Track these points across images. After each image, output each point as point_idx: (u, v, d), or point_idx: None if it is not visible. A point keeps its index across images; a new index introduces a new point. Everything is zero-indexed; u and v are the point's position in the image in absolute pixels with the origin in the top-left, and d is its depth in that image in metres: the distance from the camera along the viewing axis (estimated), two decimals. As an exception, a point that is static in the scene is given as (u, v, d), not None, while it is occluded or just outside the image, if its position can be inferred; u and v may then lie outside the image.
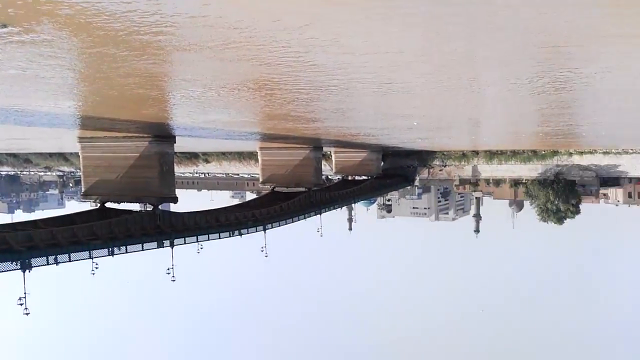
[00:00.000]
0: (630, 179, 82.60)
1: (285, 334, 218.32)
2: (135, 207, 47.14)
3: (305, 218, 65.32)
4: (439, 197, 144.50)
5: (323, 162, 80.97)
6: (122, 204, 45.84)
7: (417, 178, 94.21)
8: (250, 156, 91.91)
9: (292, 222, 61.86)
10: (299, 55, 14.97)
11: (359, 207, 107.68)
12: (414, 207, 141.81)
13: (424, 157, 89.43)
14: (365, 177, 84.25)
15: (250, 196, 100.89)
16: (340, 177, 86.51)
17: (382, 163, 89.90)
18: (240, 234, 53.85)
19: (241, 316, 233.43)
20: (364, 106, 28.57)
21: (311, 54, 14.97)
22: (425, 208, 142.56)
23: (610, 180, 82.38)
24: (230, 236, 51.88)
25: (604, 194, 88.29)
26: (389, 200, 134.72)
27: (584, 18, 11.92)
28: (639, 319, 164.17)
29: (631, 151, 75.97)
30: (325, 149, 78.85)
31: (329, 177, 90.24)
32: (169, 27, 11.69)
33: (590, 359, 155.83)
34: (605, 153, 77.35)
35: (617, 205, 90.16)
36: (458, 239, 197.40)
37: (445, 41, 13.92)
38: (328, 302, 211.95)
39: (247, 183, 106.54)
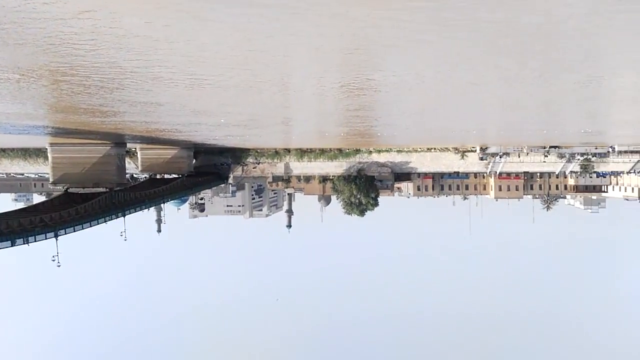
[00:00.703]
0: (419, 174, 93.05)
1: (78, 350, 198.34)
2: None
3: (106, 221, 59.37)
4: (253, 195, 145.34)
5: (127, 160, 74.73)
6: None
7: (231, 176, 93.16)
8: (39, 153, 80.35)
9: (91, 226, 55.82)
10: (80, 41, 12.56)
11: (169, 207, 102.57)
12: (228, 205, 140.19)
13: (237, 155, 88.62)
14: (176, 176, 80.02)
15: (39, 199, 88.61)
16: (147, 176, 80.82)
17: (194, 161, 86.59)
18: (27, 243, 46.84)
19: (28, 333, 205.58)
20: (167, 101, 26.03)
21: (98, 42, 13.09)
22: (239, 206, 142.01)
23: (403, 175, 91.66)
24: (12, 245, 45.27)
25: (398, 188, 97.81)
26: (201, 199, 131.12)
27: (370, 27, 12.29)
28: (422, 298, 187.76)
29: (419, 149, 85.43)
30: (130, 145, 72.74)
31: (135, 175, 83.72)
32: None
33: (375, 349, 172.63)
34: (399, 151, 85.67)
35: (408, 197, 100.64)
36: (272, 235, 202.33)
37: (249, 39, 13.34)
38: (135, 307, 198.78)
39: (35, 184, 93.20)
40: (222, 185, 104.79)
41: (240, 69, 17.65)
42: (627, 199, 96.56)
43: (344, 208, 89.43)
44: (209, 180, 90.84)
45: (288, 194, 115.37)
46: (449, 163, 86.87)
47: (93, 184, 62.00)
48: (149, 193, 70.07)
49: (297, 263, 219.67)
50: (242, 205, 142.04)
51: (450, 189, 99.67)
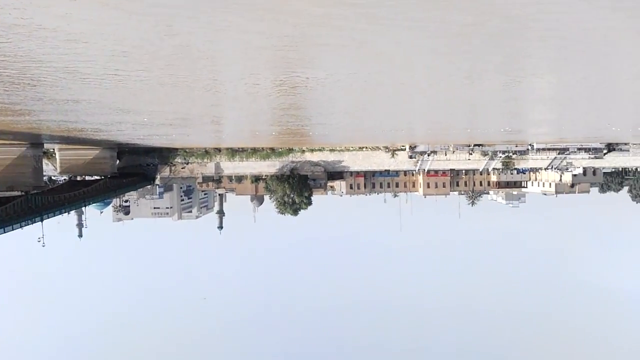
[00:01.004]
0: (351, 173, 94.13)
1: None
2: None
3: (22, 227, 55.47)
4: (182, 196, 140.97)
5: (45, 161, 70.00)
6: None
7: (158, 176, 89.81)
8: (-58, 155, 73.26)
9: (5, 232, 52.01)
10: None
11: (91, 210, 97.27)
12: (155, 207, 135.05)
13: (165, 155, 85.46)
14: (98, 177, 75.96)
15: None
16: (67, 178, 76.16)
17: (118, 161, 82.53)
18: None
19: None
20: (86, 98, 24.34)
21: (7, 35, 12.04)
22: (167, 207, 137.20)
23: (336, 174, 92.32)
24: None
25: (331, 186, 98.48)
26: (126, 201, 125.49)
27: (303, 24, 12.10)
28: (355, 294, 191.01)
29: (351, 148, 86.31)
30: (47, 145, 68.16)
31: (53, 178, 78.68)
32: None
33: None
34: (331, 150, 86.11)
35: (341, 195, 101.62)
36: (202, 237, 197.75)
37: (172, 34, 12.65)
38: (56, 316, 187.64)
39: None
40: (149, 186, 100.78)
41: (165, 66, 16.76)
42: (545, 194, 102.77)
43: (277, 208, 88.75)
44: (134, 181, 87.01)
45: (219, 194, 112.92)
46: (380, 162, 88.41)
47: (7, 187, 57.71)
48: (69, 196, 66.08)
49: (229, 264, 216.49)
50: (171, 207, 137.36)
51: (381, 186, 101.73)
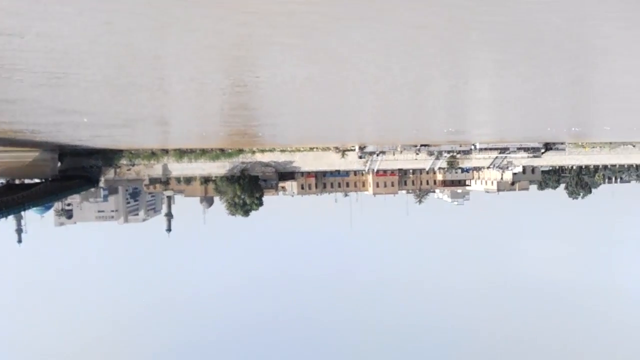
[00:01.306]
0: (302, 173, 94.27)
1: None
2: None
3: (-47, 235, 52.16)
4: (127, 198, 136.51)
5: (-22, 164, 66.08)
6: None
7: (103, 179, 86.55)
8: None
9: None
10: None
11: (31, 215, 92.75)
12: (99, 211, 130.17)
13: (109, 156, 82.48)
14: (38, 180, 72.52)
15: None
16: (3, 182, 72.32)
17: (60, 164, 79.00)
18: None
19: None
20: (22, 98, 23.20)
21: None
22: (112, 211, 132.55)
23: (287, 174, 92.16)
24: None
25: (283, 187, 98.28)
26: (69, 204, 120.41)
27: (251, 24, 11.93)
28: (308, 294, 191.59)
29: (302, 149, 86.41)
30: (-20, 147, 64.29)
31: (-12, 182, 74.52)
32: None
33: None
34: (282, 151, 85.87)
35: (293, 196, 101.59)
36: (150, 240, 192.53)
37: (112, 31, 12.28)
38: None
39: None
40: (93, 189, 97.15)
41: (105, 64, 16.18)
42: (487, 192, 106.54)
43: (227, 209, 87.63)
44: (77, 184, 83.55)
45: (167, 196, 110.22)
46: (330, 162, 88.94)
47: None
48: (6, 200, 62.75)
49: (179, 267, 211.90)
50: (116, 210, 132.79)
51: (332, 186, 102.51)
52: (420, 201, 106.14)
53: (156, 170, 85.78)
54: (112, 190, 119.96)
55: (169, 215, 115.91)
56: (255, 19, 11.68)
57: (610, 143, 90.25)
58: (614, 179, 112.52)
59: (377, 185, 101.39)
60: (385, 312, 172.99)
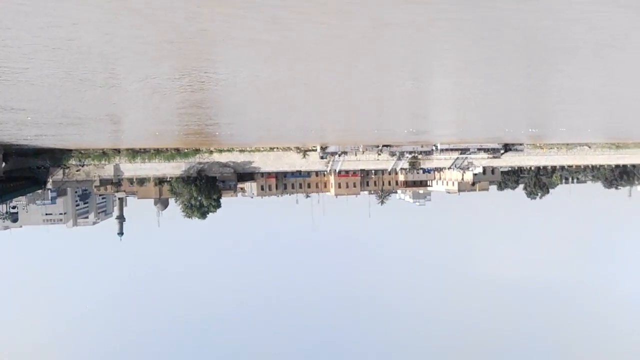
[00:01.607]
0: (262, 174, 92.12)
1: None
2: None
3: None
4: (77, 201, 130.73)
5: None
6: None
7: (50, 180, 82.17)
8: None
9: None
10: None
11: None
12: (47, 214, 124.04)
13: (57, 156, 78.30)
14: (-22, 182, 67.74)
15: None
16: (-63, 184, 67.12)
17: (4, 164, 74.28)
18: None
19: None
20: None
21: None
22: (61, 213, 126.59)
23: (246, 175, 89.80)
24: None
25: (242, 188, 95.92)
26: (14, 207, 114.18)
27: (204, 20, 11.20)
28: (269, 296, 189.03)
29: (262, 149, 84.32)
30: None
31: None
32: None
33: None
34: (241, 151, 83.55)
35: (252, 197, 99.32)
36: (100, 244, 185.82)
37: (53, 25, 11.06)
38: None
39: None
40: (39, 191, 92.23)
41: (48, 60, 14.76)
42: (448, 192, 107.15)
43: (183, 211, 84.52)
44: (22, 186, 79.03)
45: (119, 198, 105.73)
46: (291, 162, 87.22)
47: None
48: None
49: (131, 271, 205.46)
50: (65, 213, 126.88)
51: (293, 187, 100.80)
52: (382, 202, 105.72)
53: (107, 170, 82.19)
54: (60, 192, 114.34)
55: (121, 218, 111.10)
56: (209, 12, 10.68)
57: (567, 144, 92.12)
58: (570, 179, 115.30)
59: (339, 186, 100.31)
60: (345, 316, 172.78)
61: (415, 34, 13.13)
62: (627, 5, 11.12)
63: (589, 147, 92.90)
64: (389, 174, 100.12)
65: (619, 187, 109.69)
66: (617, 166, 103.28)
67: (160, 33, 12.27)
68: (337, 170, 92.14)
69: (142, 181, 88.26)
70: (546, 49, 15.67)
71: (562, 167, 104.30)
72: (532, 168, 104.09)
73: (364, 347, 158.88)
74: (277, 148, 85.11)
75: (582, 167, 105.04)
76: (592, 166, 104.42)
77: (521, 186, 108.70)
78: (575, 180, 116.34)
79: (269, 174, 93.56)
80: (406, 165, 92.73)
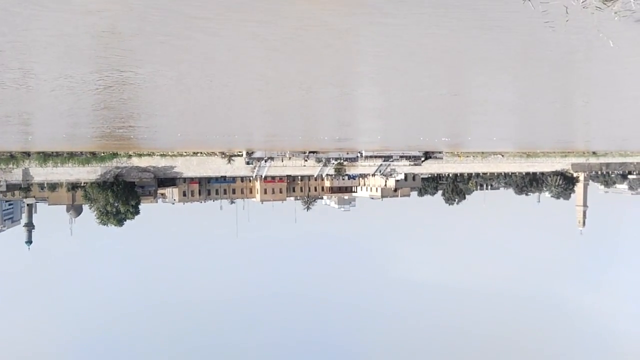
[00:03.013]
0: (185, 179, 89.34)
1: None
2: None
3: None
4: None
5: None
6: None
7: (-53, 185, 75.07)
8: None
9: None
10: None
11: None
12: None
13: (-44, 159, 71.70)
14: None
15: None
16: None
17: None
18: None
19: None
20: None
21: None
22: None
23: (167, 180, 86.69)
24: None
25: (162, 194, 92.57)
26: None
27: (119, 19, 10.64)
28: (191, 306, 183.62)
29: (185, 154, 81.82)
30: None
31: None
32: None
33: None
34: (162, 155, 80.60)
35: (174, 203, 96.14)
36: (6, 253, 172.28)
37: None
38: None
39: None
40: None
41: None
42: (372, 198, 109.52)
43: (98, 218, 79.98)
44: None
45: (28, 204, 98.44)
46: (216, 167, 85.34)
47: None
48: None
49: (39, 283, 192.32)
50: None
51: (217, 193, 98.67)
52: (308, 208, 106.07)
53: (15, 175, 76.40)
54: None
55: (30, 226, 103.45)
56: (122, 10, 9.91)
57: (482, 153, 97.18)
58: (485, 185, 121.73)
59: (265, 192, 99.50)
60: (272, 326, 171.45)
61: (342, 37, 12.93)
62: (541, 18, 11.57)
63: (502, 155, 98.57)
64: (315, 180, 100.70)
65: (529, 193, 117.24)
66: (528, 174, 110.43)
67: (71, 27, 11.17)
68: (263, 176, 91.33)
69: (54, 186, 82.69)
70: (461, 59, 16.13)
71: (478, 174, 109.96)
72: (450, 175, 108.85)
73: (281, 349, 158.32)
74: (201, 153, 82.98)
75: (496, 174, 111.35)
76: (505, 173, 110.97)
77: (440, 192, 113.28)
78: (489, 187, 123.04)
79: (191, 179, 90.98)
80: (332, 172, 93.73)
